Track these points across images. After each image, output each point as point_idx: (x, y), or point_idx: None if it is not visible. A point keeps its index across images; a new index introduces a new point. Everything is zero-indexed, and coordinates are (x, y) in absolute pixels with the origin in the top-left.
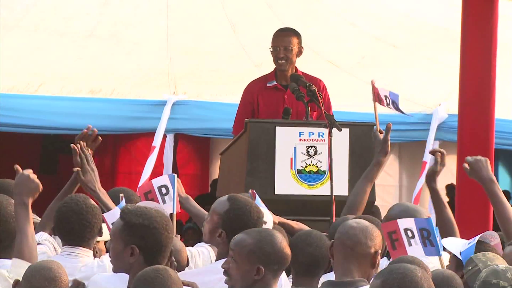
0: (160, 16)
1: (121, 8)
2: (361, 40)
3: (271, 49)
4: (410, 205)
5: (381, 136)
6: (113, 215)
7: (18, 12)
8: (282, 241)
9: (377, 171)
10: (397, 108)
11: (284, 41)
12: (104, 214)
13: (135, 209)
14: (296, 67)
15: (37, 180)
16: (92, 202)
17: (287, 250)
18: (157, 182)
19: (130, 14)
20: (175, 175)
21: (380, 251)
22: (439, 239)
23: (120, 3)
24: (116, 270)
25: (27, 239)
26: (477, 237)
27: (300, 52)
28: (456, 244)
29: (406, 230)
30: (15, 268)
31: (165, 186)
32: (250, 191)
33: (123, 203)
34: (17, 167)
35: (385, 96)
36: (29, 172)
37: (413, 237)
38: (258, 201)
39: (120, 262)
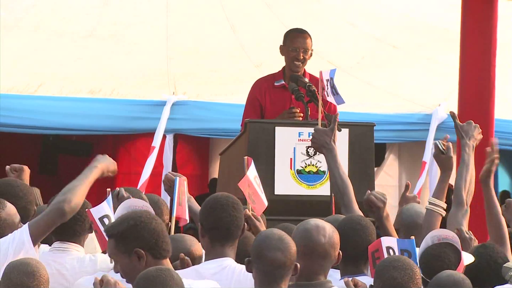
0: (160, 17)
1: (121, 8)
2: (361, 40)
3: (290, 49)
4: (418, 209)
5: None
6: (99, 210)
7: (18, 13)
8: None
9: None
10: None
11: (305, 43)
12: (90, 210)
13: (116, 221)
14: (304, 69)
15: (115, 166)
16: None
17: None
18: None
19: (130, 15)
20: (178, 178)
21: (340, 253)
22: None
23: (120, 4)
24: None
25: (81, 185)
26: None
27: (311, 54)
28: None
29: (388, 248)
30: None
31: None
32: (245, 157)
33: (109, 198)
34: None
35: (327, 80)
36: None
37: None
38: (252, 168)
39: (135, 273)
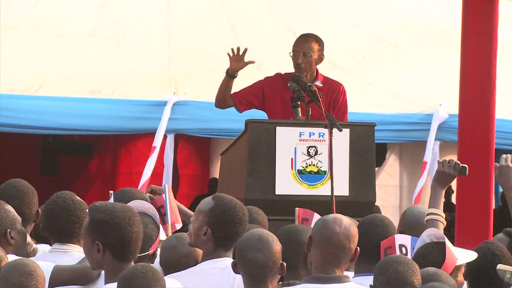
0: (161, 17)
1: (122, 8)
2: (361, 41)
3: (291, 54)
4: (421, 209)
5: None
6: None
7: (19, 13)
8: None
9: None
10: None
11: (304, 47)
12: None
13: (101, 205)
14: (317, 70)
15: None
16: (79, 198)
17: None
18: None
19: (131, 15)
20: (167, 185)
21: (358, 248)
22: None
23: (121, 4)
24: (92, 267)
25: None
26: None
27: (320, 59)
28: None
29: (401, 246)
30: None
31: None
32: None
33: (111, 200)
34: None
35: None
36: None
37: (406, 254)
38: None
39: (92, 259)
